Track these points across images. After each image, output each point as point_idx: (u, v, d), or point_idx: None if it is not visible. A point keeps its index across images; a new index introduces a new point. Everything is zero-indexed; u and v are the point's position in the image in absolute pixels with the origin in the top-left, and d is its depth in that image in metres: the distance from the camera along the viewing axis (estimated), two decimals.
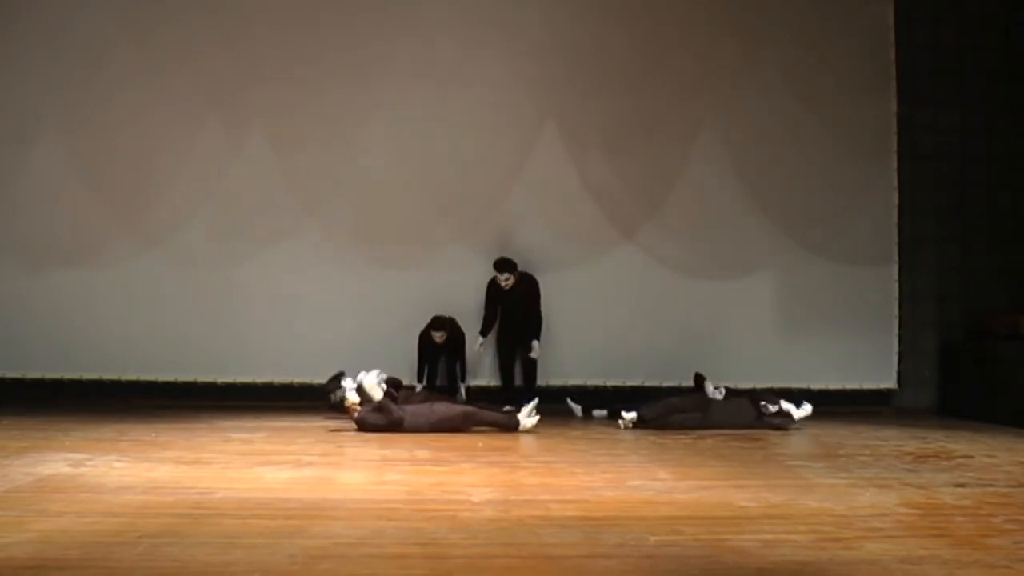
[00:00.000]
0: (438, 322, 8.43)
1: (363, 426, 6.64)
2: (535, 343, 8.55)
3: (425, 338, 8.46)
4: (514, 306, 8.59)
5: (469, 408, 7.04)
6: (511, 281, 8.45)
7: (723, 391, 7.54)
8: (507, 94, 9.11)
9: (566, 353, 8.85)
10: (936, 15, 9.53)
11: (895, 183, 9.32)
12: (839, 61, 9.39)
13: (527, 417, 6.89)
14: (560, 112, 9.18)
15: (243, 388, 8.76)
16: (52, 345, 8.69)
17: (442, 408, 6.91)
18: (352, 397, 6.72)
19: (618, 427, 7.25)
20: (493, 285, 8.57)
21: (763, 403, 7.34)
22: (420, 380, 8.43)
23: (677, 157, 9.22)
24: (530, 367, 8.61)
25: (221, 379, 8.79)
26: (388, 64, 9.07)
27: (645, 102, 9.20)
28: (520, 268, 8.53)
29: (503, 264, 8.46)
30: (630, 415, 7.26)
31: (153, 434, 6.27)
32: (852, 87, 9.34)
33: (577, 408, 8.24)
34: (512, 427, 6.84)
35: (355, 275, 8.95)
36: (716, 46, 9.30)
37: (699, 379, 7.73)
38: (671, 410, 7.36)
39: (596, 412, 8.11)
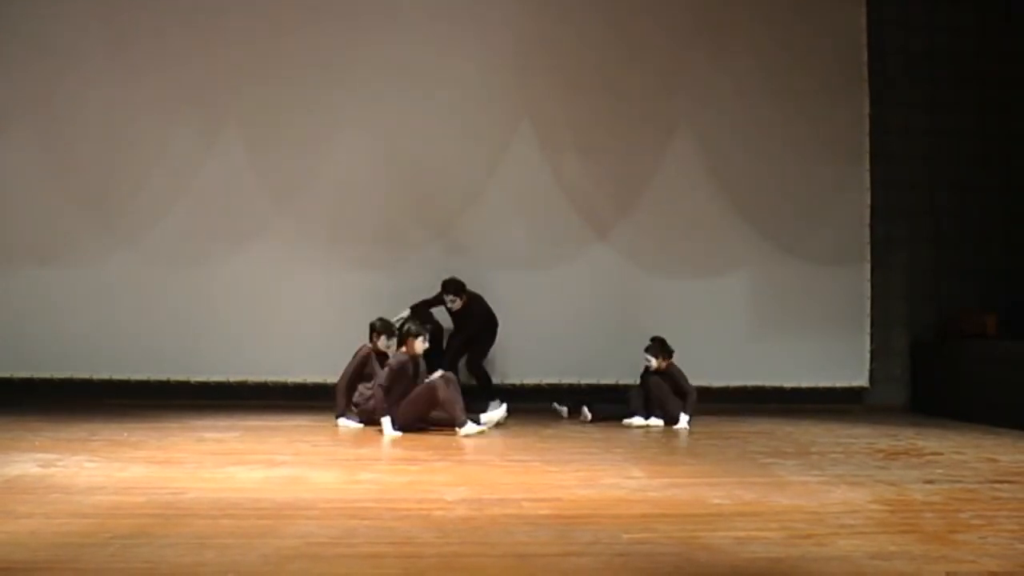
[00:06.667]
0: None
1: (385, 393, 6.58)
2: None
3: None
4: (463, 329, 8.21)
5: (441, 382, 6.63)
6: (456, 304, 8.11)
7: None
8: (482, 94, 9.12)
9: (540, 351, 8.85)
10: (907, 20, 9.66)
11: (868, 184, 9.42)
12: (813, 63, 9.47)
13: (476, 424, 6.59)
14: (534, 112, 9.18)
15: (216, 387, 8.69)
16: (22, 344, 8.58)
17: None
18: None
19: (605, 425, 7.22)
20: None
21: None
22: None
23: (651, 157, 9.26)
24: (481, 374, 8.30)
25: (194, 378, 8.72)
26: (362, 64, 9.05)
27: (619, 102, 9.23)
28: (496, 268, 8.49)
29: (449, 284, 8.11)
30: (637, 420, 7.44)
31: (125, 434, 6.22)
32: (825, 89, 9.43)
33: (563, 410, 8.04)
34: (458, 424, 6.52)
35: (329, 275, 8.92)
36: (690, 48, 9.36)
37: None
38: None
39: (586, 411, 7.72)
